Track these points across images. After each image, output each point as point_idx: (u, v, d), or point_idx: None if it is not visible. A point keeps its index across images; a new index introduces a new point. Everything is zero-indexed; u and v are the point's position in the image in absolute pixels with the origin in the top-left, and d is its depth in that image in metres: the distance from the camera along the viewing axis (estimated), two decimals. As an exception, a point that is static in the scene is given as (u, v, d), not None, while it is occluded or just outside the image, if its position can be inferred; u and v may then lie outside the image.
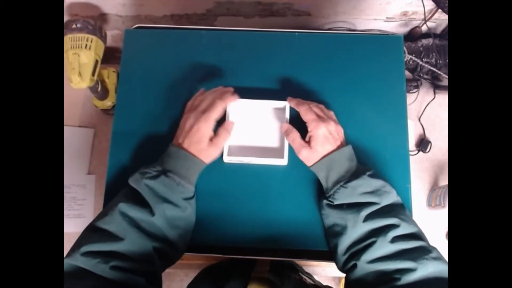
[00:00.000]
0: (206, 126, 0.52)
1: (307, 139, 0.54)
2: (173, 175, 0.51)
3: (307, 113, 0.54)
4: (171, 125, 0.62)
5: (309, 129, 0.54)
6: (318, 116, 0.54)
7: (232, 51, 0.66)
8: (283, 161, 0.58)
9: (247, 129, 0.61)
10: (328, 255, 0.56)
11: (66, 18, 0.83)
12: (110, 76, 0.91)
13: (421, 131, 0.97)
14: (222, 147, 0.55)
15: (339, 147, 0.53)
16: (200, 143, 0.52)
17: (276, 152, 0.59)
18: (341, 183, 0.51)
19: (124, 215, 0.48)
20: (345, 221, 0.50)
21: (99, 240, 0.46)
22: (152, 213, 0.48)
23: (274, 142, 0.60)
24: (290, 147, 0.57)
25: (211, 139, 0.53)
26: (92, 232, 0.48)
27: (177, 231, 0.51)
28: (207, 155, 0.53)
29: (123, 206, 0.48)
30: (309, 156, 0.53)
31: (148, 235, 0.48)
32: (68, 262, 0.44)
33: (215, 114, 0.54)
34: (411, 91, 0.97)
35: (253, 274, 0.64)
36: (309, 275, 0.74)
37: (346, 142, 0.55)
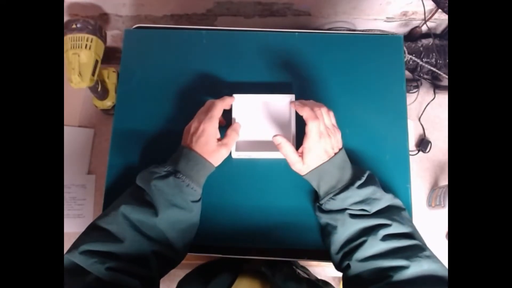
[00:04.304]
0: (210, 125, 0.53)
1: (300, 150, 0.53)
2: (182, 176, 0.51)
3: (311, 124, 0.51)
4: (171, 125, 0.62)
5: (304, 140, 0.52)
6: (320, 131, 0.51)
7: (232, 51, 0.66)
8: None
9: (254, 124, 0.60)
10: (328, 255, 0.56)
11: (66, 18, 0.83)
12: (110, 76, 0.91)
13: (421, 131, 0.97)
14: (231, 147, 0.55)
15: (330, 158, 0.52)
16: (209, 144, 0.53)
17: None
18: (331, 195, 0.51)
19: (125, 217, 0.48)
20: (335, 222, 0.51)
21: (98, 240, 0.46)
22: (155, 214, 0.48)
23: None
24: (297, 137, 0.56)
25: (219, 140, 0.54)
26: (93, 231, 0.48)
27: (179, 234, 0.51)
28: (217, 156, 0.53)
29: (126, 208, 0.48)
30: (301, 169, 0.53)
31: (148, 238, 0.48)
32: (67, 258, 0.45)
33: (217, 113, 0.54)
34: (411, 91, 0.97)
35: (246, 267, 0.64)
36: (305, 269, 0.74)
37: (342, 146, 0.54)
